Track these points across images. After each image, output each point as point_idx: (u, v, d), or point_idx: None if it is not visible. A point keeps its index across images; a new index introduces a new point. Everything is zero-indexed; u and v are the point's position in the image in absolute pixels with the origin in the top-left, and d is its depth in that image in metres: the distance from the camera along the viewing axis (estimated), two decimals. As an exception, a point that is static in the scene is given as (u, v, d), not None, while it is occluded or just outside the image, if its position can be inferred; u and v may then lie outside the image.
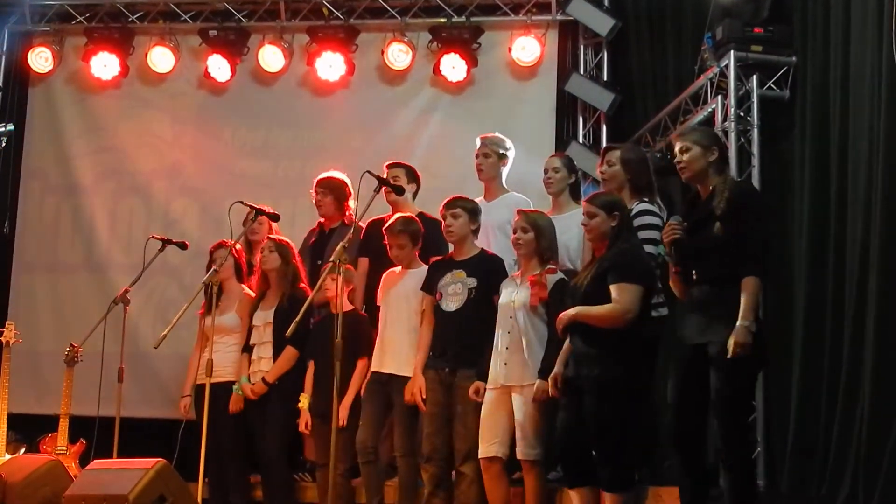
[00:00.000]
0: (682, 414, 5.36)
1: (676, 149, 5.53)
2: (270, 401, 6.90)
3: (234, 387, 6.94)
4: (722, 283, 5.22)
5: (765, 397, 7.25)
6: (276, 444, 6.89)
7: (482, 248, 6.50)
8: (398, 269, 6.69)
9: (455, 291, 6.32)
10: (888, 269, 6.25)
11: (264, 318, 7.02)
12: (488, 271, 6.34)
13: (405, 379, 6.39)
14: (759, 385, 7.24)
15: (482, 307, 6.25)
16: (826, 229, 7.00)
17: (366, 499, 6.62)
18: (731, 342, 5.06)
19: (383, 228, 6.63)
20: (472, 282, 6.30)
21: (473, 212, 6.44)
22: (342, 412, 6.56)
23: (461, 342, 6.25)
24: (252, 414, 6.97)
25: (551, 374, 5.75)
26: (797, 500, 6.78)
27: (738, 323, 5.07)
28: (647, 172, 6.35)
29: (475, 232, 6.47)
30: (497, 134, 7.19)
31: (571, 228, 6.39)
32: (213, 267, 6.80)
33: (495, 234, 6.80)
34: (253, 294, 7.21)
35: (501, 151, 7.08)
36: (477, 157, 7.09)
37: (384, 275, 6.75)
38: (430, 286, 6.44)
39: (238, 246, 7.27)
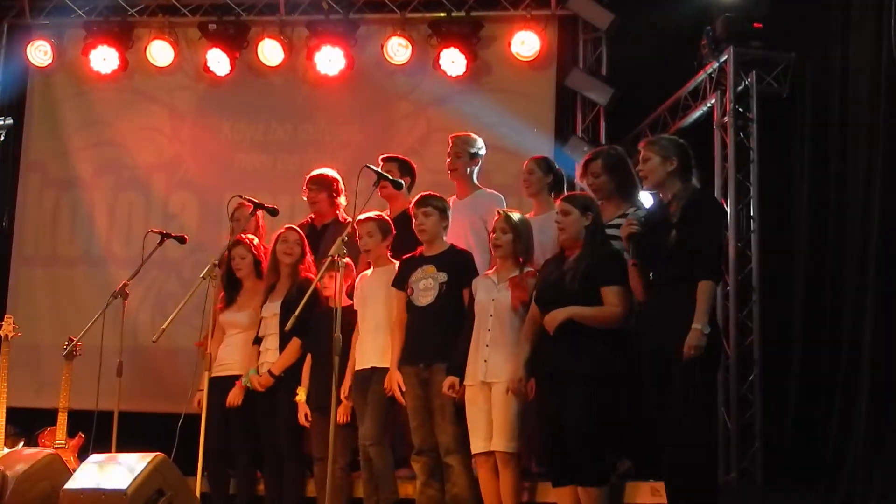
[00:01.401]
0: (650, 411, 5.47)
1: (641, 157, 5.62)
2: (279, 393, 6.88)
3: (243, 379, 6.94)
4: (676, 287, 5.34)
5: (763, 396, 7.27)
6: (288, 437, 6.88)
7: (451, 244, 6.55)
8: (370, 271, 6.74)
9: (426, 286, 6.38)
10: (887, 264, 6.27)
11: (272, 309, 7.00)
12: (458, 266, 6.42)
13: (385, 370, 6.45)
14: (756, 384, 7.27)
15: (453, 301, 6.34)
16: (825, 225, 7.01)
17: (365, 495, 6.63)
18: (685, 345, 5.19)
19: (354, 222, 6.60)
20: (443, 276, 6.36)
21: (444, 210, 6.50)
22: (344, 409, 6.60)
23: (435, 336, 6.30)
24: (260, 407, 6.96)
25: (513, 377, 5.87)
26: (794, 499, 6.79)
27: (692, 326, 5.21)
28: (630, 171, 6.39)
29: (445, 229, 6.53)
30: (469, 133, 7.21)
31: (548, 229, 6.44)
32: (212, 262, 6.79)
33: (467, 232, 6.82)
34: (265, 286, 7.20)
35: (472, 150, 7.10)
36: (448, 156, 7.12)
37: (358, 277, 6.80)
38: (400, 282, 6.50)
39: (255, 240, 7.27)
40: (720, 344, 5.59)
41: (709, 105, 8.05)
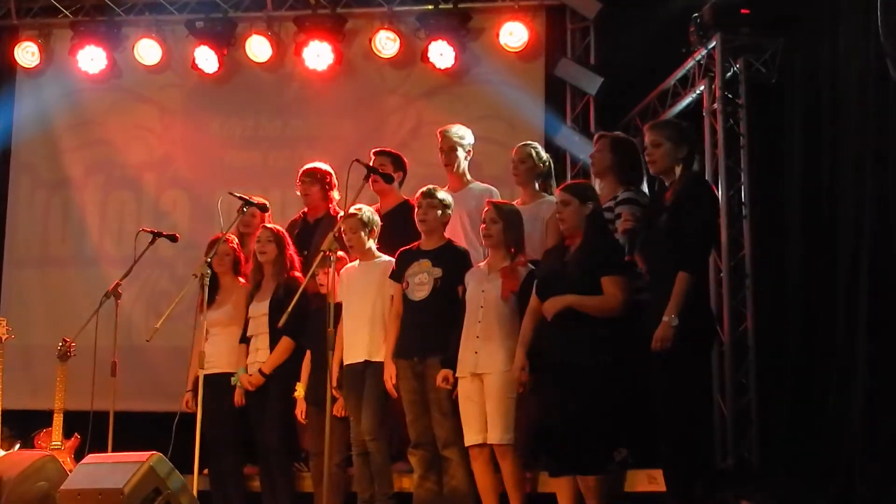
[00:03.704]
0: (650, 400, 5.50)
1: (647, 141, 5.60)
2: (269, 391, 6.93)
3: (233, 379, 6.96)
4: (663, 275, 5.36)
5: (758, 382, 7.27)
6: (276, 435, 6.93)
7: (449, 239, 6.58)
8: (356, 263, 6.75)
9: (421, 281, 6.41)
10: (880, 248, 6.26)
11: (260, 308, 7.04)
12: (453, 262, 6.45)
13: (379, 364, 6.48)
14: (752, 368, 7.27)
15: (447, 297, 6.37)
16: (818, 210, 7.00)
17: (358, 490, 6.64)
18: (653, 338, 5.25)
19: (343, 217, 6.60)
20: (438, 272, 6.39)
21: (447, 205, 6.53)
22: (340, 403, 6.61)
23: (428, 331, 6.34)
24: (251, 405, 7.00)
25: (517, 365, 5.89)
26: (792, 484, 6.79)
27: (662, 318, 5.25)
28: (636, 157, 6.38)
29: (445, 225, 6.56)
30: (457, 126, 7.23)
31: (536, 219, 6.46)
32: (205, 259, 6.79)
33: (459, 226, 6.84)
34: (248, 285, 7.22)
35: (465, 142, 7.13)
36: (441, 151, 7.13)
37: (342, 270, 6.78)
38: (398, 275, 6.53)
39: (235, 240, 7.28)
40: (710, 329, 5.58)
41: (698, 92, 8.04)
